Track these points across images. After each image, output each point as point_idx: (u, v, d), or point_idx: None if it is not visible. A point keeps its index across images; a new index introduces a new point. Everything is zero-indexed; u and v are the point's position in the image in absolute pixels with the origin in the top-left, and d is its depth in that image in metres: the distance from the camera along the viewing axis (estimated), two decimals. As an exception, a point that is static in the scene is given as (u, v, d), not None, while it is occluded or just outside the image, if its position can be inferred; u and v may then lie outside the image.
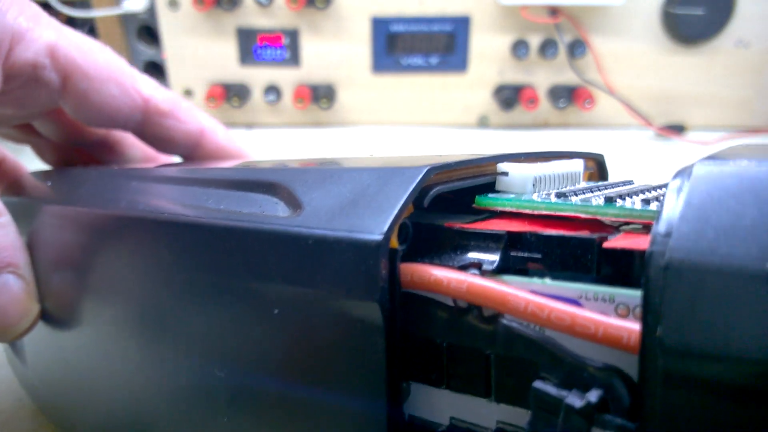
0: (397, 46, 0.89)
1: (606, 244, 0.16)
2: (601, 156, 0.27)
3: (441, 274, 0.16)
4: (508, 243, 0.17)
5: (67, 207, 0.30)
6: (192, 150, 0.39)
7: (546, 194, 0.20)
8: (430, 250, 0.18)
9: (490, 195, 0.20)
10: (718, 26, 0.86)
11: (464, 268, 0.17)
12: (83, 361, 0.30)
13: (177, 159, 0.41)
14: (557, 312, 0.14)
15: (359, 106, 0.94)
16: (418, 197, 0.18)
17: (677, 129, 0.87)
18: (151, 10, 0.89)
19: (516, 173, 0.21)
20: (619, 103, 0.87)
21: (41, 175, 0.36)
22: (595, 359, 0.15)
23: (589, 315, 0.14)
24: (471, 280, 0.16)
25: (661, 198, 0.18)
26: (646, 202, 0.18)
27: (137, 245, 0.25)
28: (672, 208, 0.13)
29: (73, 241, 0.29)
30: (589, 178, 0.27)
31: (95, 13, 0.87)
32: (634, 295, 0.14)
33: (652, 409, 0.13)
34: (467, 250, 0.18)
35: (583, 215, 0.18)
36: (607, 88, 0.87)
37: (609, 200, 0.18)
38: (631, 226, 0.18)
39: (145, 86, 0.37)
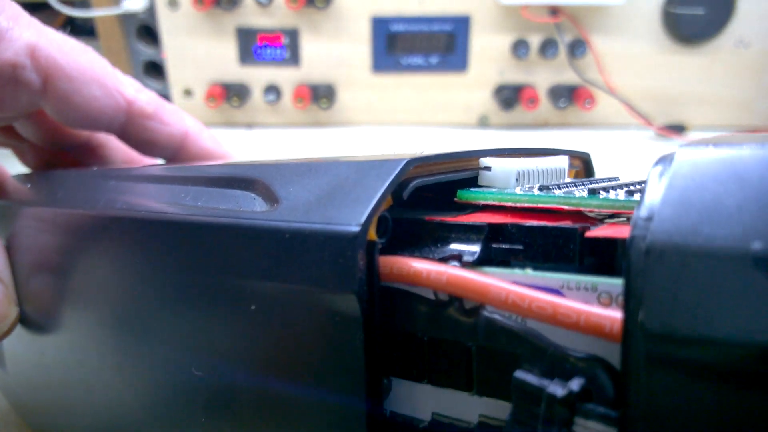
0: (397, 45, 0.89)
1: (588, 234, 0.15)
2: (587, 154, 0.27)
3: (420, 266, 0.16)
4: (489, 235, 0.17)
5: (46, 208, 0.29)
6: (176, 153, 0.38)
7: (529, 188, 0.20)
8: (410, 244, 0.18)
9: (471, 189, 0.20)
10: (719, 26, 0.85)
11: (444, 260, 0.16)
12: (63, 364, 0.30)
13: (160, 162, 0.40)
14: (538, 302, 0.14)
15: (359, 105, 0.93)
16: (397, 190, 0.17)
17: (678, 129, 0.87)
18: (151, 10, 0.89)
19: (499, 168, 0.20)
20: (619, 103, 0.87)
21: (22, 178, 0.36)
22: (577, 350, 0.14)
23: (570, 304, 0.14)
24: (451, 271, 0.15)
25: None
26: (630, 194, 0.17)
27: (115, 245, 0.25)
28: (653, 193, 0.13)
29: (51, 243, 0.29)
30: (575, 177, 0.26)
31: (95, 12, 0.87)
32: (616, 283, 0.14)
33: (636, 395, 0.12)
34: (448, 242, 0.17)
35: (566, 207, 0.17)
36: (607, 88, 0.87)
37: (592, 192, 0.17)
38: (615, 219, 0.17)
39: (129, 88, 0.36)
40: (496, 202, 0.19)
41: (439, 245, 0.17)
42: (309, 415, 0.18)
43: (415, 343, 0.17)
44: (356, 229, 0.16)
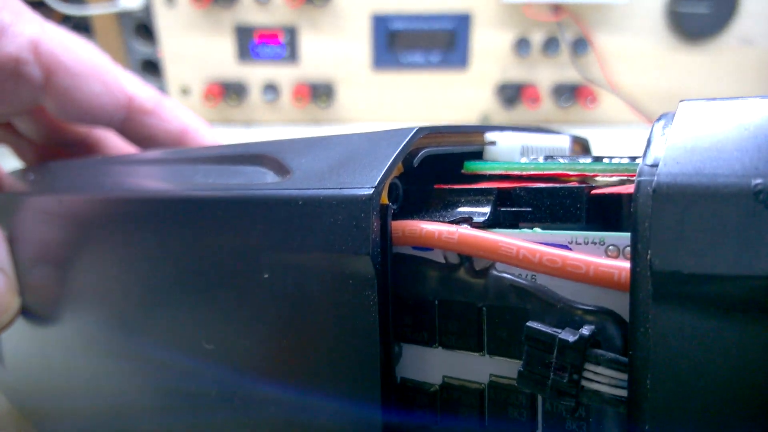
0: (397, 43, 0.89)
1: (594, 191, 0.16)
2: (586, 140, 0.28)
3: (432, 227, 0.17)
4: (498, 199, 0.17)
5: (51, 196, 0.30)
6: (173, 147, 0.38)
7: (534, 158, 0.20)
8: (421, 210, 0.18)
9: (478, 161, 0.20)
10: (722, 24, 0.86)
11: (455, 222, 0.17)
12: (66, 353, 0.30)
13: None
14: (549, 255, 0.15)
15: (359, 104, 0.94)
16: (407, 159, 0.18)
17: None
18: (148, 8, 0.89)
19: (504, 142, 0.21)
20: (622, 101, 0.88)
21: (22, 171, 0.36)
22: (586, 303, 0.15)
23: (579, 256, 0.14)
24: (462, 230, 0.16)
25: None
26: (633, 158, 0.18)
27: (123, 227, 0.25)
28: (657, 142, 0.13)
29: (56, 231, 0.29)
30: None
31: (91, 10, 0.87)
32: (623, 236, 0.14)
33: (644, 337, 0.13)
34: (458, 206, 0.18)
35: (571, 173, 0.18)
36: (610, 86, 0.87)
37: (597, 159, 0.18)
38: (618, 185, 0.18)
39: (129, 84, 0.37)
40: (503, 172, 0.19)
41: (449, 209, 0.18)
42: (323, 382, 0.18)
43: (426, 307, 0.18)
44: (370, 191, 0.16)
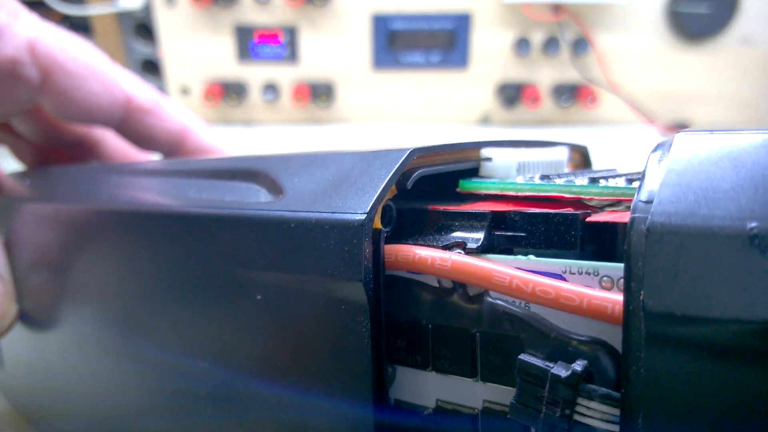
0: (397, 43, 0.90)
1: (590, 219, 0.16)
2: (585, 147, 0.28)
3: (425, 253, 0.17)
4: (492, 222, 0.17)
5: (47, 204, 0.30)
6: (174, 148, 0.39)
7: (530, 177, 0.20)
8: (414, 233, 0.18)
9: (473, 179, 0.20)
10: (723, 24, 0.86)
11: (448, 247, 0.17)
12: (64, 358, 0.30)
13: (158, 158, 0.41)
14: (542, 286, 0.14)
15: (359, 103, 0.94)
16: (401, 180, 0.18)
17: (682, 127, 0.86)
18: (148, 8, 0.90)
19: (500, 159, 0.21)
20: (622, 101, 0.88)
21: (18, 175, 0.36)
22: (580, 334, 0.15)
23: (573, 288, 0.14)
24: (455, 257, 0.16)
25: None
26: (630, 182, 0.18)
27: (119, 238, 0.25)
28: (653, 176, 0.13)
29: (53, 239, 0.29)
30: (574, 169, 0.27)
31: (91, 10, 0.88)
32: (618, 267, 0.14)
33: (637, 374, 0.13)
34: (451, 230, 0.18)
35: (567, 195, 0.18)
36: (610, 86, 0.88)
37: (593, 180, 0.18)
38: (614, 207, 0.18)
39: (127, 83, 0.37)
40: (498, 191, 0.19)
41: (443, 233, 0.18)
42: (315, 404, 0.18)
43: (420, 330, 0.18)
44: (362, 217, 0.16)
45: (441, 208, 0.18)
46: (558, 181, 0.19)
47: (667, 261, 0.12)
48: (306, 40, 0.90)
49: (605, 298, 0.14)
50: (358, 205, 0.16)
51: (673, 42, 0.88)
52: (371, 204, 0.16)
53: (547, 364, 0.14)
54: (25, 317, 0.31)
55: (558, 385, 0.14)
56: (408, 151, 0.18)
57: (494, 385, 0.17)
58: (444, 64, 0.91)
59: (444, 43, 0.89)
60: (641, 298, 0.12)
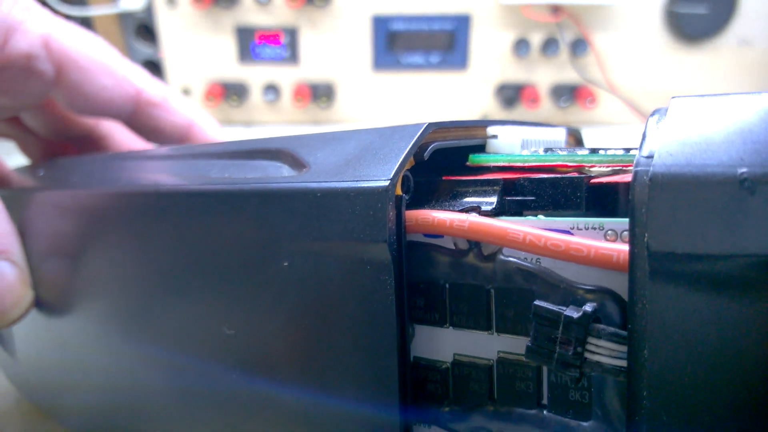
0: (397, 44, 0.91)
1: (593, 181, 0.17)
2: (578, 130, 0.30)
3: (443, 216, 0.18)
4: (504, 188, 0.19)
5: (66, 190, 0.31)
6: (181, 141, 0.40)
7: (534, 151, 0.22)
8: (431, 200, 0.20)
9: (482, 153, 0.22)
10: (721, 24, 0.88)
11: (465, 211, 0.19)
12: (80, 347, 0.31)
13: None
14: (553, 240, 0.16)
15: (359, 104, 0.96)
16: (418, 152, 0.19)
17: None
18: (149, 9, 0.91)
19: (505, 136, 0.22)
20: (621, 101, 0.89)
21: (29, 168, 0.38)
22: (586, 283, 0.16)
23: (581, 240, 0.16)
24: (472, 218, 0.18)
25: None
26: (627, 150, 0.19)
27: (143, 220, 0.26)
28: (652, 134, 0.15)
29: (71, 225, 0.30)
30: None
31: (93, 11, 0.89)
32: (620, 221, 0.16)
33: (642, 311, 0.14)
34: (466, 196, 0.19)
35: (570, 164, 0.20)
36: (609, 86, 0.89)
37: (593, 150, 0.20)
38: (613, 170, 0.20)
39: (137, 77, 0.38)
40: (506, 164, 0.21)
41: (457, 199, 0.19)
42: (342, 362, 0.20)
43: (437, 289, 0.19)
44: (386, 183, 0.18)
45: (454, 177, 0.20)
46: (560, 152, 0.21)
47: (668, 206, 0.14)
48: (306, 41, 0.92)
49: (611, 248, 0.15)
50: (382, 173, 0.18)
51: (672, 43, 0.89)
52: (394, 171, 0.18)
53: (561, 308, 0.16)
54: (40, 305, 0.32)
55: (571, 325, 0.16)
56: (425, 125, 0.19)
57: (508, 336, 0.18)
58: (444, 64, 0.92)
59: (444, 44, 0.91)
60: (645, 240, 0.14)
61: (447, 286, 0.19)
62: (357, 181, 0.18)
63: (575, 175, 0.18)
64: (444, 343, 0.20)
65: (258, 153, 0.23)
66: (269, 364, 0.22)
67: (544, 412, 0.18)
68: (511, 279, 0.18)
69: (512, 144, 0.23)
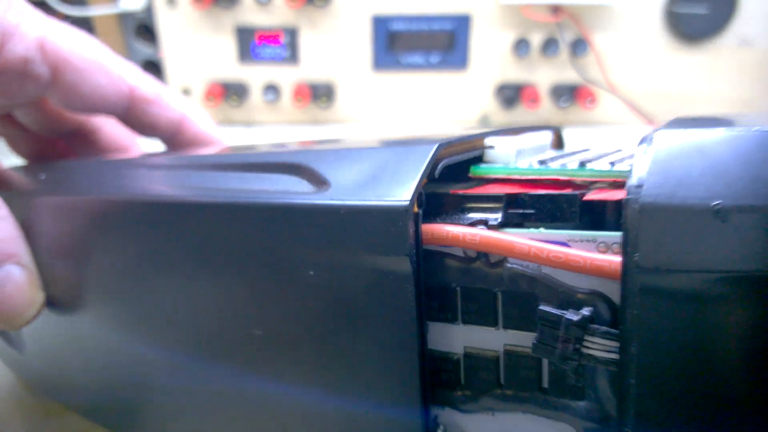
0: (397, 44, 0.94)
1: (585, 198, 0.21)
2: (559, 128, 0.35)
3: (457, 230, 0.21)
4: (507, 203, 0.22)
5: (78, 197, 0.32)
6: (174, 135, 0.43)
7: (529, 162, 0.25)
8: (442, 213, 0.23)
9: (482, 165, 0.25)
10: (721, 24, 0.90)
11: (474, 225, 0.22)
12: (90, 342, 0.34)
13: (157, 143, 0.45)
14: (554, 252, 0.19)
15: (359, 104, 0.99)
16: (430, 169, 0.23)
17: None
18: (149, 9, 0.94)
19: (501, 146, 0.26)
20: (621, 101, 0.92)
21: (27, 168, 0.40)
22: (582, 288, 0.20)
23: (578, 252, 0.19)
24: (482, 233, 0.21)
25: (618, 161, 0.24)
26: (612, 164, 0.23)
27: (166, 230, 0.28)
28: (641, 167, 0.18)
29: (85, 231, 0.32)
30: (552, 146, 0.33)
31: (93, 11, 0.92)
32: (611, 235, 0.19)
33: (632, 315, 0.18)
34: (473, 210, 0.23)
35: (562, 177, 0.23)
36: (609, 86, 0.92)
37: (582, 164, 0.23)
38: (598, 185, 0.23)
39: (131, 75, 0.40)
40: (505, 176, 0.24)
41: (466, 213, 0.22)
42: (366, 359, 0.23)
43: (450, 292, 0.22)
44: (406, 203, 0.21)
45: (461, 191, 0.23)
46: (552, 165, 0.24)
47: (655, 231, 0.17)
48: (306, 41, 0.94)
49: (604, 259, 0.19)
50: (401, 194, 0.21)
51: (672, 43, 0.92)
52: (412, 192, 0.21)
53: (562, 311, 0.19)
54: (50, 303, 0.34)
55: (571, 327, 0.19)
56: (436, 145, 0.22)
57: (513, 331, 0.22)
58: (444, 64, 0.95)
59: (444, 44, 0.94)
60: (635, 259, 0.17)
61: (458, 289, 0.22)
62: (379, 200, 0.21)
63: (570, 191, 0.21)
64: (455, 338, 0.23)
65: (278, 166, 0.26)
66: (295, 363, 0.25)
67: (545, 395, 0.22)
68: (516, 283, 0.21)
69: (508, 154, 0.26)
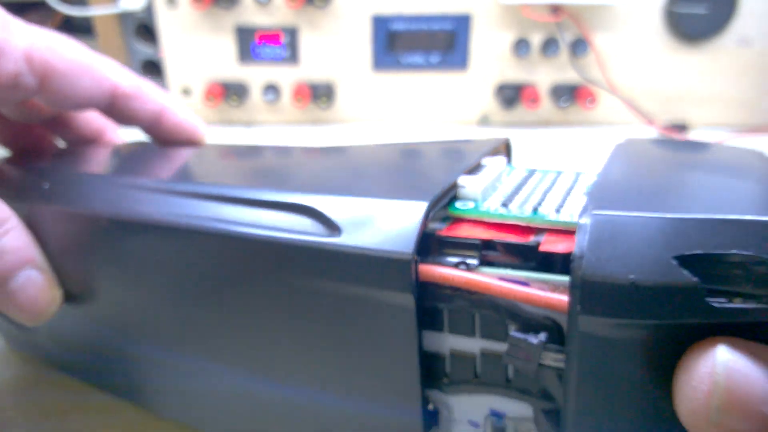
0: (397, 44, 0.99)
1: (541, 248, 0.28)
2: (508, 140, 0.42)
3: (446, 272, 0.28)
4: (483, 247, 0.30)
5: (80, 212, 0.36)
6: (153, 125, 0.47)
7: (496, 202, 0.32)
8: (428, 254, 0.30)
9: (457, 205, 0.32)
10: (721, 25, 0.94)
11: (457, 265, 0.29)
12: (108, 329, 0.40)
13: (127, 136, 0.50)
14: (519, 291, 0.27)
15: (359, 104, 1.03)
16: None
17: (680, 128, 0.96)
18: (149, 9, 0.98)
19: (470, 187, 0.33)
20: (621, 102, 0.96)
21: (21, 168, 0.43)
22: (539, 314, 0.28)
23: (537, 292, 0.27)
24: (465, 275, 0.28)
25: (561, 203, 0.31)
26: (558, 208, 0.31)
27: (179, 254, 0.34)
28: (581, 242, 0.25)
29: (97, 245, 0.37)
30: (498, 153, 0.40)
31: (93, 11, 0.96)
32: (560, 279, 0.27)
33: (573, 339, 0.25)
34: (456, 249, 0.30)
35: (522, 223, 0.30)
36: (609, 87, 0.96)
37: (535, 211, 0.31)
38: (551, 230, 0.30)
39: (113, 73, 0.43)
40: (477, 218, 0.31)
41: (449, 255, 0.30)
42: (377, 363, 0.31)
43: (439, 311, 0.30)
44: (410, 253, 0.28)
45: (443, 234, 0.30)
46: (515, 212, 0.31)
47: (591, 289, 0.24)
48: (306, 41, 0.99)
49: (555, 298, 0.26)
50: (405, 245, 0.28)
51: (672, 43, 0.96)
52: (414, 244, 0.28)
53: (526, 335, 0.27)
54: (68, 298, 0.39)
55: (532, 346, 0.27)
56: (427, 206, 0.29)
57: (486, 340, 0.30)
58: (444, 64, 1.00)
59: (444, 44, 0.98)
60: (578, 307, 0.25)
61: (445, 309, 0.30)
62: (389, 249, 0.28)
63: (531, 241, 0.29)
64: (443, 342, 0.31)
65: (290, 207, 0.32)
66: (311, 366, 0.33)
67: (509, 384, 0.30)
68: (491, 309, 0.29)
69: (475, 193, 0.33)
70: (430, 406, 0.32)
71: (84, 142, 0.51)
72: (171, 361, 0.38)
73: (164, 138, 0.48)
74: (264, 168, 0.42)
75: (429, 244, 0.30)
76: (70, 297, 0.39)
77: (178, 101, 0.49)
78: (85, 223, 0.36)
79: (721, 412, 0.22)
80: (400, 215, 0.29)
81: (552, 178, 0.36)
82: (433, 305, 0.30)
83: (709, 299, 0.23)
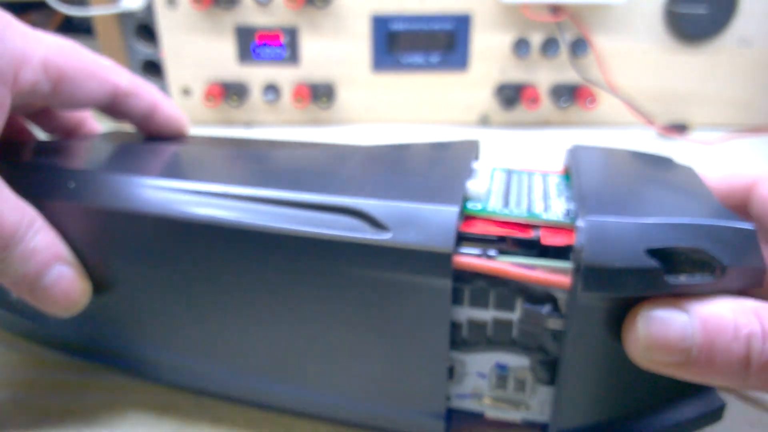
0: (397, 44, 1.05)
1: (543, 242, 0.40)
2: (477, 141, 0.52)
3: (473, 261, 0.39)
4: (499, 241, 0.41)
5: (128, 212, 0.40)
6: (146, 119, 0.51)
7: (496, 203, 0.44)
8: (458, 245, 0.41)
9: (469, 206, 0.43)
10: (721, 25, 1.01)
11: (480, 256, 0.40)
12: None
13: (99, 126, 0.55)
14: (529, 273, 0.38)
15: (359, 104, 1.10)
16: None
17: (680, 128, 1.03)
18: (149, 9, 1.04)
19: (477, 190, 0.44)
20: (621, 102, 1.03)
21: (48, 171, 0.45)
22: (542, 290, 0.39)
23: (542, 274, 0.38)
24: (489, 264, 0.39)
25: (552, 205, 0.42)
26: (567, 213, 0.42)
27: (232, 254, 0.41)
28: (581, 238, 0.36)
29: (132, 241, 0.42)
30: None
31: (93, 11, 1.02)
32: (563, 264, 0.38)
33: (573, 307, 0.37)
34: (475, 243, 0.41)
35: (522, 222, 0.41)
36: (609, 87, 1.02)
37: (529, 210, 0.42)
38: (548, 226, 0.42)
39: (113, 74, 0.47)
40: (487, 217, 0.42)
41: (473, 246, 0.40)
42: (417, 327, 0.41)
43: (461, 290, 0.41)
44: (451, 248, 0.38)
45: (466, 230, 0.41)
46: (516, 211, 0.42)
47: (593, 276, 0.35)
48: (306, 41, 1.05)
49: (558, 278, 0.38)
50: (445, 242, 0.38)
51: (672, 43, 1.02)
52: (453, 241, 0.38)
53: (536, 307, 0.39)
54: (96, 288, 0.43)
55: (540, 315, 0.39)
56: (458, 211, 0.40)
57: (498, 310, 0.41)
58: (444, 65, 1.06)
59: (444, 44, 1.05)
60: (580, 285, 0.36)
61: (468, 289, 0.41)
62: (432, 244, 0.38)
63: (535, 236, 0.40)
64: (463, 313, 0.42)
65: (342, 210, 0.41)
66: (347, 348, 0.43)
67: (513, 343, 0.41)
68: (503, 286, 0.40)
69: (480, 194, 0.44)
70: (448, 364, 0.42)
71: (64, 132, 0.55)
72: (224, 343, 0.45)
73: (155, 131, 0.53)
74: (300, 170, 0.46)
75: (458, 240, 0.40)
76: (98, 288, 0.43)
77: (165, 96, 0.54)
78: (144, 223, 0.41)
79: (647, 350, 0.34)
80: (438, 217, 0.39)
81: (527, 179, 0.47)
82: (458, 285, 0.40)
83: (666, 277, 0.35)
